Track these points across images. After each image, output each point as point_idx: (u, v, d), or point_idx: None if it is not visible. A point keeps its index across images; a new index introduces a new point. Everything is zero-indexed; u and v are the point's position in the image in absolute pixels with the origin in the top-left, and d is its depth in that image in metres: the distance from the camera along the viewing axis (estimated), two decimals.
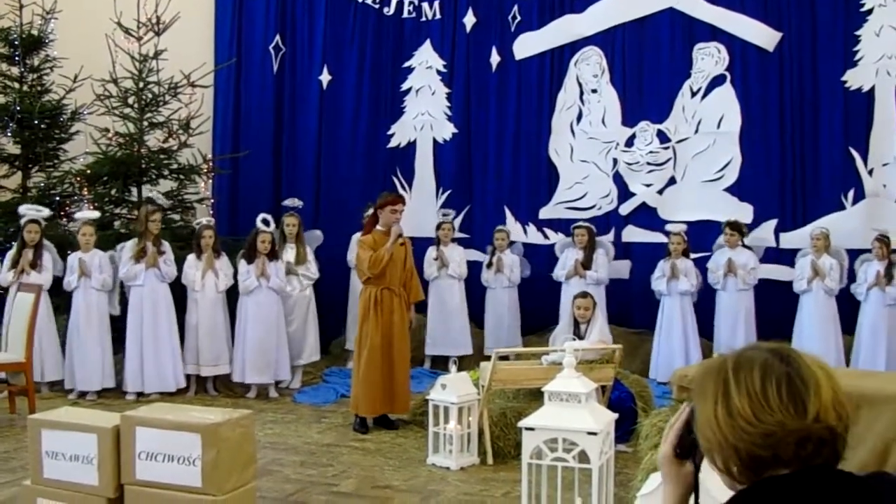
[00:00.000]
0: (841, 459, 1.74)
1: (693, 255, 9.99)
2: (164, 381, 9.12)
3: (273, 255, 9.40)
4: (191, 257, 9.39)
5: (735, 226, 9.83)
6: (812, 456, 1.69)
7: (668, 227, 10.09)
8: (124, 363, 9.16)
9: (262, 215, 9.47)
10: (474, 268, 10.87)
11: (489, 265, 10.64)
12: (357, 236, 10.48)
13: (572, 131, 11.13)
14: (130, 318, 9.15)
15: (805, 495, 1.68)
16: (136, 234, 9.34)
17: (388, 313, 7.85)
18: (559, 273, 10.23)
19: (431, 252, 10.53)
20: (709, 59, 10.61)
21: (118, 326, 9.26)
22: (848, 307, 9.53)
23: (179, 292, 9.41)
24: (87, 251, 9.18)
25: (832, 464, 1.72)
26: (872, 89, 10.05)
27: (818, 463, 1.71)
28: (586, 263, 10.06)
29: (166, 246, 9.33)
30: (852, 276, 9.60)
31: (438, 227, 10.65)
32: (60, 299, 9.29)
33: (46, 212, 9.39)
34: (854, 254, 9.67)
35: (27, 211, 9.23)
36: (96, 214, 9.62)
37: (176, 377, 9.19)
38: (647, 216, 10.77)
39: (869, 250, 9.52)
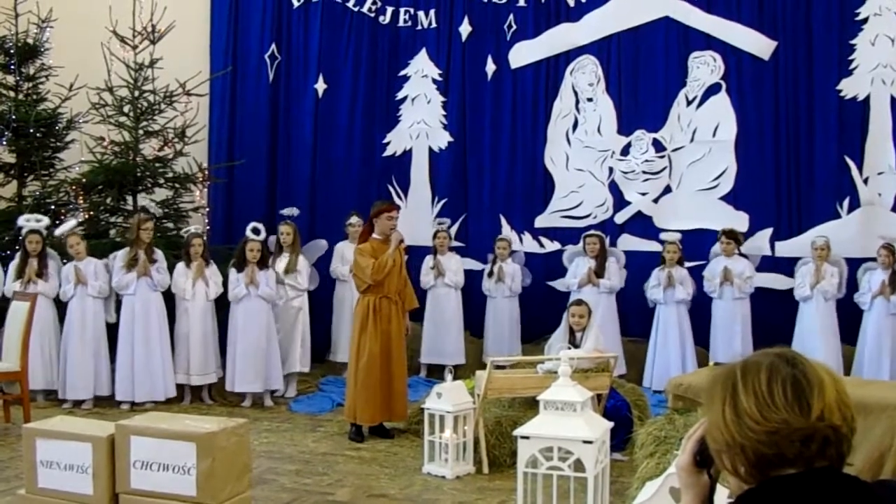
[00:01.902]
0: (846, 461, 1.77)
1: (689, 264, 10.00)
2: (154, 390, 9.07)
3: (263, 263, 9.40)
4: (180, 266, 9.38)
5: (731, 234, 9.83)
6: (816, 456, 1.73)
7: (663, 236, 10.10)
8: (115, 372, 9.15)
9: (252, 224, 9.49)
10: (470, 276, 10.86)
11: (490, 274, 10.62)
12: (340, 245, 10.53)
13: (568, 140, 11.13)
14: (122, 326, 9.13)
15: (811, 495, 1.71)
16: (129, 242, 9.33)
17: (387, 322, 7.85)
18: (571, 282, 10.19)
19: (428, 261, 10.53)
20: (704, 68, 10.61)
21: (115, 335, 9.24)
22: (850, 317, 9.51)
23: (169, 302, 9.40)
24: (81, 259, 9.18)
25: (837, 465, 1.76)
26: (867, 98, 10.06)
27: (823, 464, 1.74)
28: (598, 272, 10.06)
29: (159, 254, 9.30)
30: (854, 286, 9.58)
31: (435, 235, 10.65)
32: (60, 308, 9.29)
33: (46, 221, 9.40)
34: (849, 262, 9.66)
35: (26, 222, 9.25)
36: (72, 224, 9.60)
37: (166, 386, 9.14)
38: (642, 225, 10.77)
39: (864, 259, 9.52)
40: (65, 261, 9.34)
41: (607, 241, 10.56)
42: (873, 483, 1.79)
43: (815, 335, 9.40)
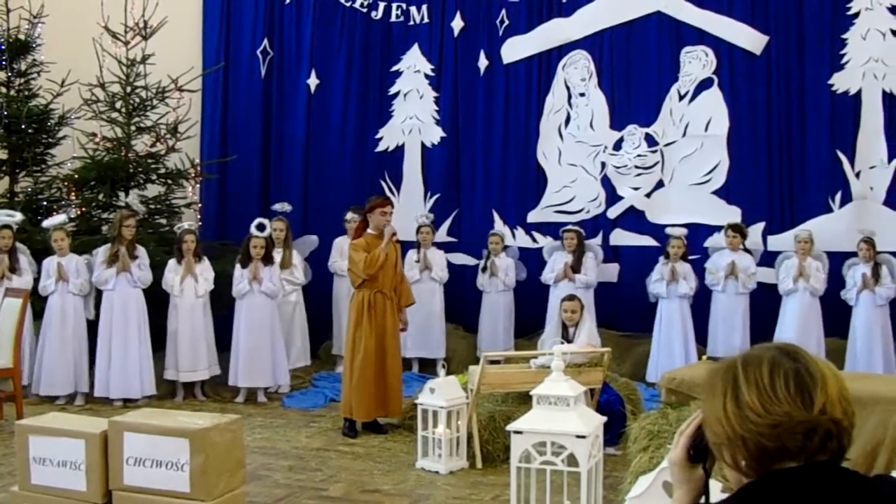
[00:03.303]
0: (846, 455, 1.77)
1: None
2: (129, 387, 8.97)
3: (268, 259, 9.39)
4: (171, 262, 9.35)
5: (737, 228, 9.82)
6: (818, 449, 1.73)
7: (669, 231, 9.99)
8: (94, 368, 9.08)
9: (257, 220, 9.44)
10: (463, 271, 10.86)
11: (484, 269, 10.62)
12: (339, 241, 10.52)
13: (560, 135, 11.13)
14: (101, 322, 9.05)
15: (811, 489, 1.72)
16: (111, 238, 9.28)
17: (381, 317, 7.87)
18: (548, 276, 10.23)
19: (412, 255, 10.51)
20: (696, 63, 10.62)
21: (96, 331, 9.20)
22: (836, 309, 9.53)
23: (163, 298, 9.37)
24: (64, 255, 9.12)
25: (837, 458, 1.76)
26: (859, 92, 10.08)
27: (824, 457, 1.74)
28: (575, 267, 10.06)
29: (141, 251, 9.22)
30: (840, 281, 9.59)
31: (418, 230, 10.64)
32: (35, 303, 9.17)
33: (19, 216, 9.33)
34: (842, 256, 9.68)
35: None
36: (62, 218, 9.55)
37: (143, 384, 9.03)
38: (634, 219, 10.77)
39: (857, 253, 9.53)
40: (38, 259, 9.26)
41: (600, 237, 10.58)
42: (873, 478, 1.80)
43: (798, 329, 9.38)
